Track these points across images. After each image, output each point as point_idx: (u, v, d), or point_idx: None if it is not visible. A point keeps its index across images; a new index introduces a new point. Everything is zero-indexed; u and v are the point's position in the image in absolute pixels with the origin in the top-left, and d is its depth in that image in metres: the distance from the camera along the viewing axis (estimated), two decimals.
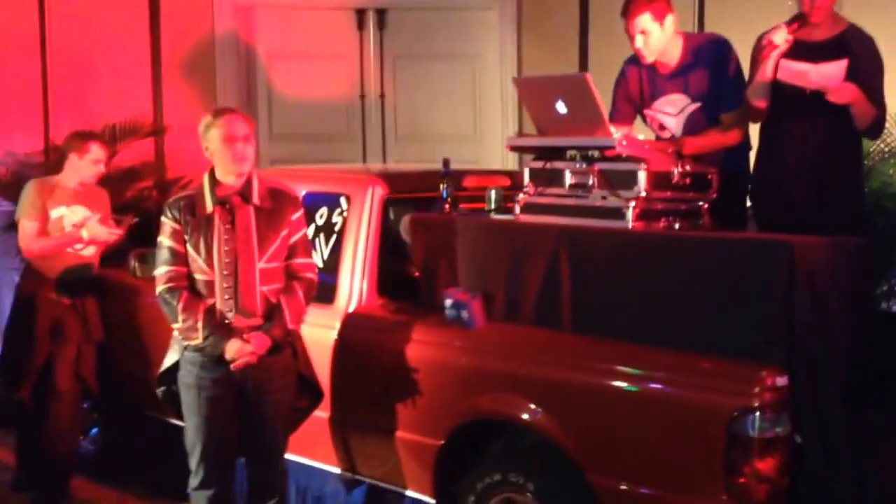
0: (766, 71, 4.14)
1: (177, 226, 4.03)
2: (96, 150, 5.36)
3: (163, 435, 5.21)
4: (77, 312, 5.34)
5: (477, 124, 8.33)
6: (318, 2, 8.25)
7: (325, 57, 8.30)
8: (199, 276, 4.03)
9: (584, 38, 7.75)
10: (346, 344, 4.45)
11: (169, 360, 4.18)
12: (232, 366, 3.99)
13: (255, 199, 4.06)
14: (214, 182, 4.06)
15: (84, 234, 5.26)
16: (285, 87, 8.32)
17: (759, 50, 4.17)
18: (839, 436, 3.32)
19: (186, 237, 4.02)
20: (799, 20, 4.12)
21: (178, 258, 4.03)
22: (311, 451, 4.60)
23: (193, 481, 4.12)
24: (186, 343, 4.03)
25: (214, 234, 4.00)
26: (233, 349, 3.97)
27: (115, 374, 5.55)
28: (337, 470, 4.60)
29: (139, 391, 5.21)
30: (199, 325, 3.97)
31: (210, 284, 4.02)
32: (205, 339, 3.98)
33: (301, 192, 4.62)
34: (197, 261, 4.02)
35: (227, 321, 4.01)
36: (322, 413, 4.42)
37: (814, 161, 4.16)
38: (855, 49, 4.10)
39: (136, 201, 7.10)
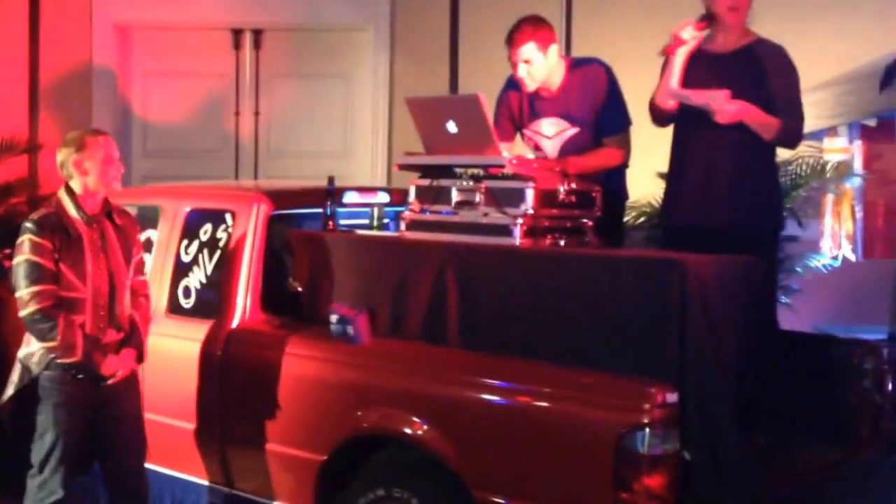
0: (674, 69, 4.05)
1: (47, 243, 3.89)
2: None
3: None
4: None
5: (348, 142, 8.24)
6: (195, 23, 8.12)
7: (201, 76, 8.22)
8: (70, 294, 3.92)
9: (454, 59, 7.77)
10: (230, 360, 4.27)
11: (18, 383, 4.02)
12: (110, 381, 3.99)
13: (116, 217, 4.10)
14: (76, 200, 4.00)
15: None
16: (161, 105, 8.23)
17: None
18: (730, 452, 3.23)
19: (58, 255, 3.90)
20: (707, 19, 4.03)
21: (49, 276, 3.88)
22: (190, 466, 4.44)
23: (42, 493, 3.97)
24: (60, 361, 3.90)
25: (87, 251, 3.96)
26: (113, 365, 3.98)
27: None
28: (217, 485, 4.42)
29: None
30: (79, 343, 3.89)
31: (81, 302, 3.93)
32: (84, 356, 3.90)
33: (185, 208, 4.59)
34: (70, 278, 3.91)
35: (98, 338, 3.97)
36: (188, 425, 4.33)
37: (723, 175, 4.06)
38: (762, 61, 4.02)
39: (9, 216, 6.94)
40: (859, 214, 6.79)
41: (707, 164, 4.08)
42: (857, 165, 6.71)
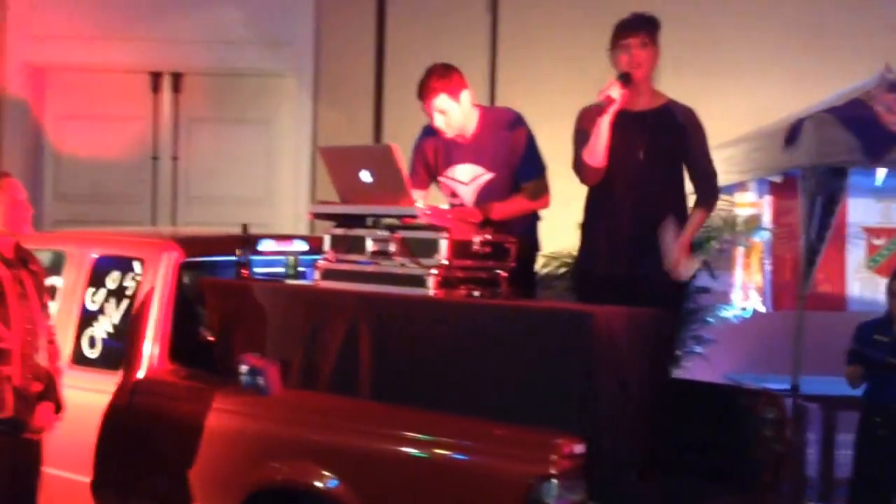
0: (602, 128, 4.08)
1: None
2: None
3: None
4: None
5: (270, 188, 8.17)
6: (112, 65, 7.99)
7: (117, 119, 8.07)
8: None
9: (378, 107, 7.76)
10: (134, 411, 4.19)
11: None
12: (42, 434, 3.89)
13: (30, 263, 3.98)
14: None
15: None
16: (75, 147, 8.06)
17: (586, 117, 4.17)
18: (636, 502, 3.24)
19: None
20: (622, 79, 4.11)
21: None
22: None
23: None
24: None
25: (10, 299, 3.81)
26: (42, 419, 3.86)
27: None
28: None
29: None
30: (9, 398, 3.75)
31: (8, 353, 3.78)
32: (15, 412, 3.77)
33: (93, 255, 4.49)
34: None
35: (26, 390, 3.83)
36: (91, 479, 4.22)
37: (641, 227, 4.12)
38: (681, 120, 4.18)
39: None
40: (768, 267, 6.93)
41: (616, 215, 4.15)
42: (767, 220, 6.86)
